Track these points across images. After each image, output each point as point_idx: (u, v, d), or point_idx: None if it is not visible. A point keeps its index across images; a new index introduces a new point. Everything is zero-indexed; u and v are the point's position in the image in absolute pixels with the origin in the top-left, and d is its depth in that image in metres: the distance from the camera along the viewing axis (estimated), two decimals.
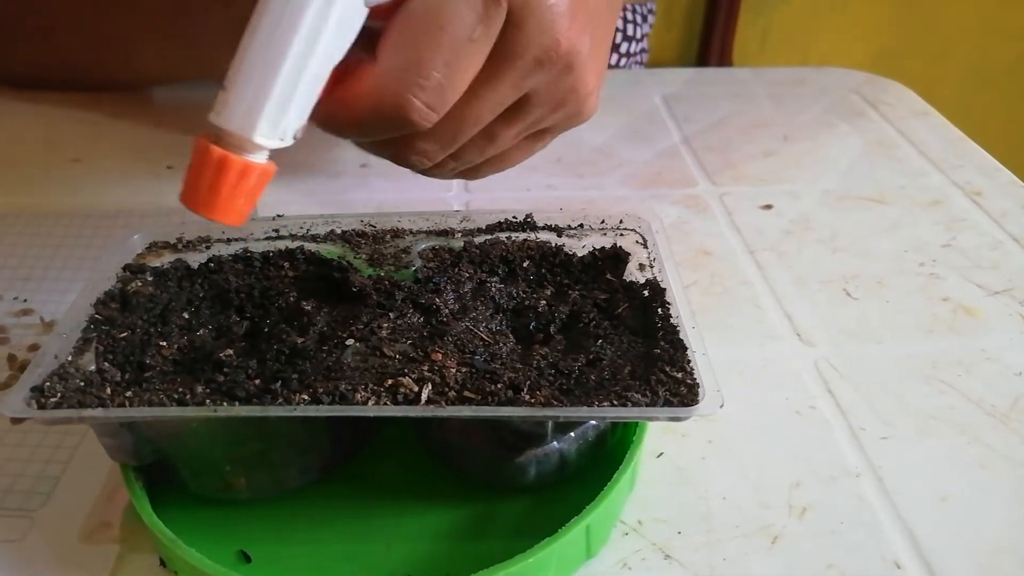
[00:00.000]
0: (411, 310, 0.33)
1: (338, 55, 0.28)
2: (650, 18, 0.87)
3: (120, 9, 0.59)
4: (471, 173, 0.38)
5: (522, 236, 0.38)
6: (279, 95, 0.26)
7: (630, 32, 0.82)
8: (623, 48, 0.81)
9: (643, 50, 0.86)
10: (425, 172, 0.37)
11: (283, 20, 0.26)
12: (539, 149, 0.39)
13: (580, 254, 0.37)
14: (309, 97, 0.27)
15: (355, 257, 0.36)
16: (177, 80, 0.63)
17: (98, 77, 0.64)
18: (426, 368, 0.29)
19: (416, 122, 0.30)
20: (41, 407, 0.28)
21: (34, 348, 0.40)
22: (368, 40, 0.29)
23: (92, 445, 0.35)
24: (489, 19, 0.30)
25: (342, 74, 0.29)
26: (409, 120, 0.30)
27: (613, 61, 0.80)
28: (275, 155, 0.28)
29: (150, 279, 0.35)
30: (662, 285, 0.34)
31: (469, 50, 0.30)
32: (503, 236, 0.38)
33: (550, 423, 0.30)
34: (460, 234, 0.38)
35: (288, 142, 0.27)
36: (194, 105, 0.63)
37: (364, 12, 0.28)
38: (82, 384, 0.29)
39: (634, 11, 0.83)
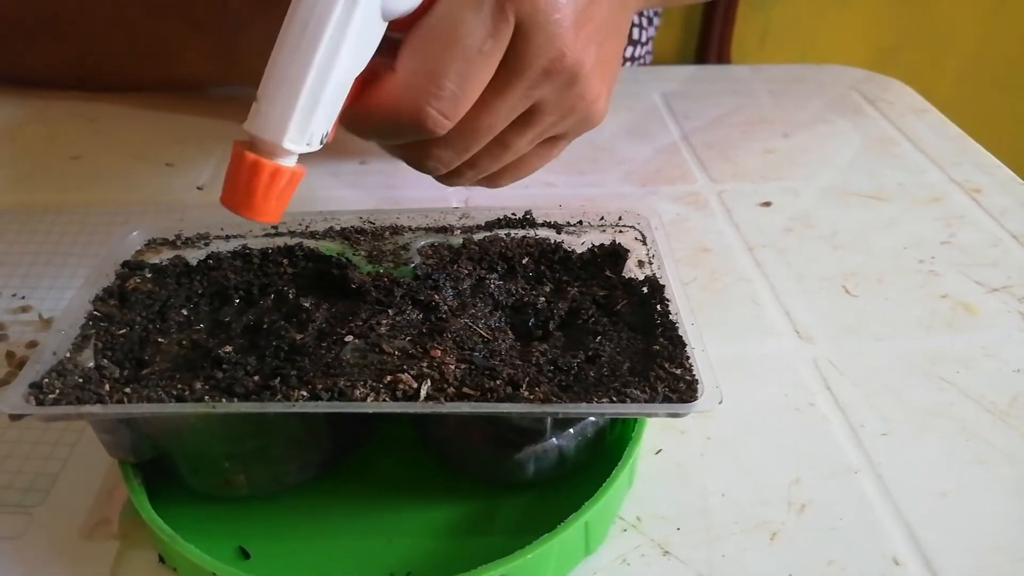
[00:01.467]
0: (410, 307, 0.33)
1: (359, 65, 0.30)
2: (656, 20, 0.87)
3: (168, 11, 0.59)
4: (489, 181, 0.40)
5: (521, 233, 0.38)
6: (305, 104, 0.28)
7: (635, 36, 0.82)
8: (627, 52, 0.81)
9: (648, 52, 0.86)
10: (443, 179, 0.38)
11: (306, 35, 0.28)
12: (555, 155, 0.41)
13: (579, 251, 0.37)
14: (334, 104, 0.29)
15: (354, 254, 0.36)
16: (221, 83, 0.63)
17: (143, 78, 0.64)
18: (425, 365, 0.29)
19: (431, 129, 0.32)
20: (40, 403, 0.28)
21: (33, 345, 0.40)
22: (391, 48, 0.31)
23: (91, 442, 0.35)
24: (498, 33, 0.32)
25: (366, 80, 0.31)
26: (424, 127, 0.32)
27: None
28: (300, 157, 0.30)
29: (149, 276, 0.35)
30: (661, 282, 0.34)
31: (480, 61, 0.32)
32: (502, 233, 0.38)
33: (549, 419, 0.30)
34: (459, 231, 0.38)
35: (315, 147, 0.29)
36: (192, 104, 0.63)
37: (383, 25, 0.30)
38: (81, 381, 0.29)
39: (641, 15, 0.82)
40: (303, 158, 0.29)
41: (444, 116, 0.32)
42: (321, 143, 0.29)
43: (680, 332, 0.32)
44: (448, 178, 0.38)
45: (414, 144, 0.35)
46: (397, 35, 0.31)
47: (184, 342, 0.32)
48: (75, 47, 0.63)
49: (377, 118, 0.32)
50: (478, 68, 0.32)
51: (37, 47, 0.63)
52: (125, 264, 0.36)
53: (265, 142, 0.28)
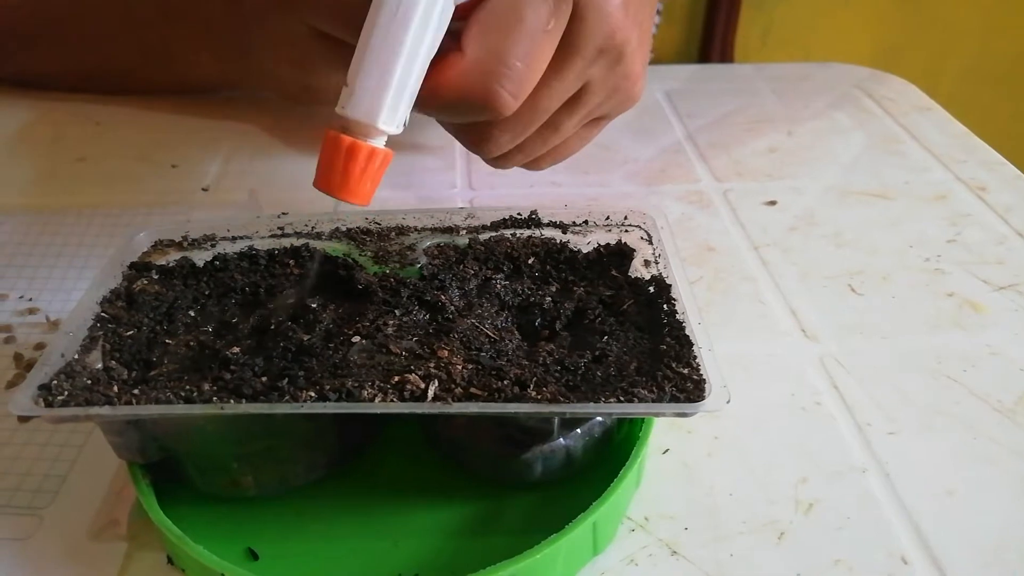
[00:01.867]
0: (417, 307, 0.33)
1: (436, 48, 0.31)
2: (656, 19, 0.87)
3: (180, 13, 0.59)
4: (533, 164, 0.41)
5: (527, 233, 0.38)
6: (397, 85, 0.29)
7: None
8: None
9: (650, 50, 0.86)
10: (492, 162, 0.40)
11: (397, 17, 0.29)
12: (594, 137, 0.42)
13: (585, 251, 0.37)
14: (417, 86, 0.30)
15: (360, 255, 0.36)
16: (234, 86, 0.63)
17: (154, 81, 0.64)
18: (432, 365, 0.29)
19: (500, 109, 0.33)
20: (48, 405, 0.28)
21: (40, 347, 0.40)
22: (445, 39, 0.32)
23: (99, 443, 0.35)
24: (559, 12, 0.33)
25: (433, 64, 0.32)
26: (494, 107, 0.33)
27: None
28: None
29: (156, 277, 0.35)
30: (667, 281, 0.34)
31: (544, 41, 0.33)
32: (508, 233, 0.38)
33: (556, 419, 0.30)
34: (465, 231, 0.38)
35: (401, 129, 0.30)
36: (197, 106, 0.63)
37: (452, 8, 0.31)
38: (89, 382, 0.29)
39: None
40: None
41: (512, 95, 0.33)
42: (406, 125, 0.30)
43: (687, 331, 0.32)
44: (498, 161, 0.39)
45: (473, 126, 0.36)
46: (454, 24, 0.32)
47: (191, 343, 0.32)
48: (84, 50, 0.63)
49: (448, 99, 0.32)
50: (542, 47, 0.33)
51: (45, 49, 0.63)
52: (132, 266, 0.36)
53: (360, 124, 0.29)
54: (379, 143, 0.30)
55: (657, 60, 0.92)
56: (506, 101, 0.33)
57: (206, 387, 0.29)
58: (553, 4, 0.33)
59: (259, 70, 0.55)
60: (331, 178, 0.29)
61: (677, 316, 0.33)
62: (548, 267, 0.37)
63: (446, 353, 0.30)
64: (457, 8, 0.31)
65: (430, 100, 0.32)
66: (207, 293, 0.35)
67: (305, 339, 0.31)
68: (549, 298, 0.35)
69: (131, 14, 0.61)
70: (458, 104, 0.33)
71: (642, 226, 0.38)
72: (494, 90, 0.32)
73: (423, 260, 0.36)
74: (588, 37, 0.34)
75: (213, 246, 0.38)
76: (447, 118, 0.35)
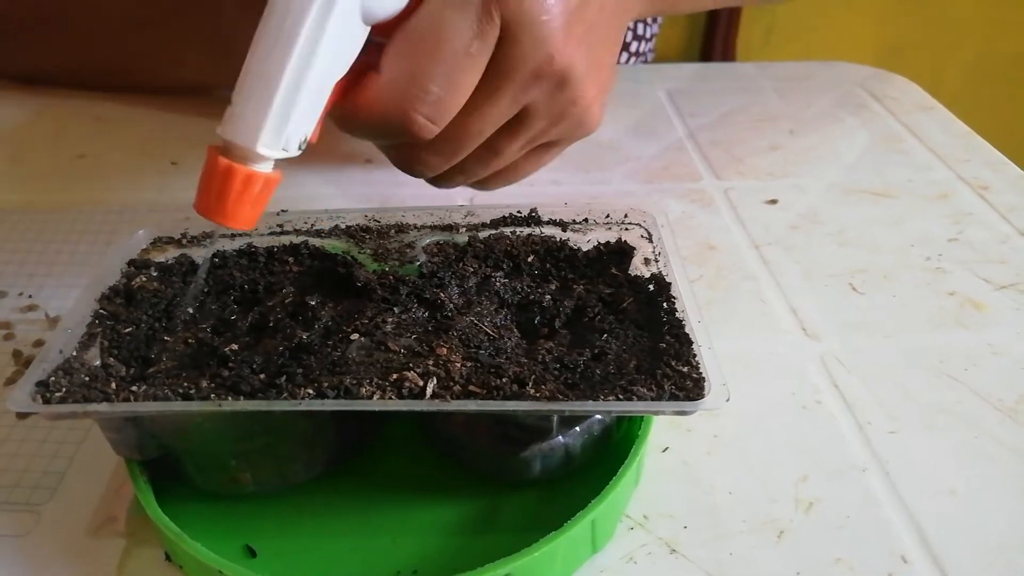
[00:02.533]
0: (416, 305, 0.33)
1: (339, 69, 0.29)
2: (659, 18, 0.87)
3: (168, 14, 0.59)
4: (480, 185, 0.40)
5: (527, 231, 0.38)
6: (279, 109, 0.28)
7: (640, 31, 0.81)
8: (633, 47, 0.81)
9: (650, 50, 0.86)
10: (432, 182, 0.38)
11: (280, 39, 0.28)
12: (547, 161, 0.40)
13: (585, 248, 0.37)
14: (312, 108, 0.29)
15: (359, 252, 0.36)
16: (221, 86, 0.63)
17: (146, 79, 0.64)
18: (431, 362, 0.29)
19: (417, 133, 0.32)
20: (46, 402, 0.28)
21: (39, 344, 0.40)
22: (376, 51, 0.31)
23: (97, 440, 0.35)
24: (484, 34, 0.31)
25: (354, 79, 0.30)
26: (411, 131, 0.32)
27: (623, 60, 0.80)
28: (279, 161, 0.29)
29: (155, 274, 0.35)
30: (667, 279, 0.34)
31: (466, 64, 0.31)
32: (507, 231, 0.38)
33: (555, 417, 0.30)
34: (464, 229, 0.38)
35: (293, 152, 0.29)
36: (197, 103, 0.63)
37: (365, 29, 0.29)
38: (87, 379, 0.29)
39: None
40: (293, 161, 0.29)
41: (430, 120, 0.31)
42: (300, 149, 0.29)
43: (687, 329, 0.31)
44: (437, 181, 0.38)
45: (403, 146, 0.34)
46: (382, 39, 0.31)
47: (190, 340, 0.32)
48: (72, 48, 0.63)
49: (363, 120, 0.31)
50: (464, 71, 0.31)
51: (41, 45, 0.63)
52: (131, 263, 0.36)
53: (238, 147, 0.28)
54: (262, 167, 0.28)
55: (659, 59, 0.92)
56: (423, 125, 0.31)
57: (204, 384, 0.29)
58: (477, 25, 0.31)
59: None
60: (207, 201, 0.28)
61: (677, 314, 0.32)
62: (548, 265, 0.36)
63: (445, 351, 0.30)
64: (379, 26, 0.30)
65: (347, 120, 0.31)
66: (206, 290, 0.35)
67: (304, 336, 0.31)
68: (548, 296, 0.35)
69: (123, 12, 0.61)
70: (375, 126, 0.32)
71: (642, 224, 0.38)
72: (409, 114, 0.31)
73: (422, 258, 0.36)
74: (519, 60, 0.32)
75: (212, 243, 0.37)
76: (369, 139, 0.34)
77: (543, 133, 0.37)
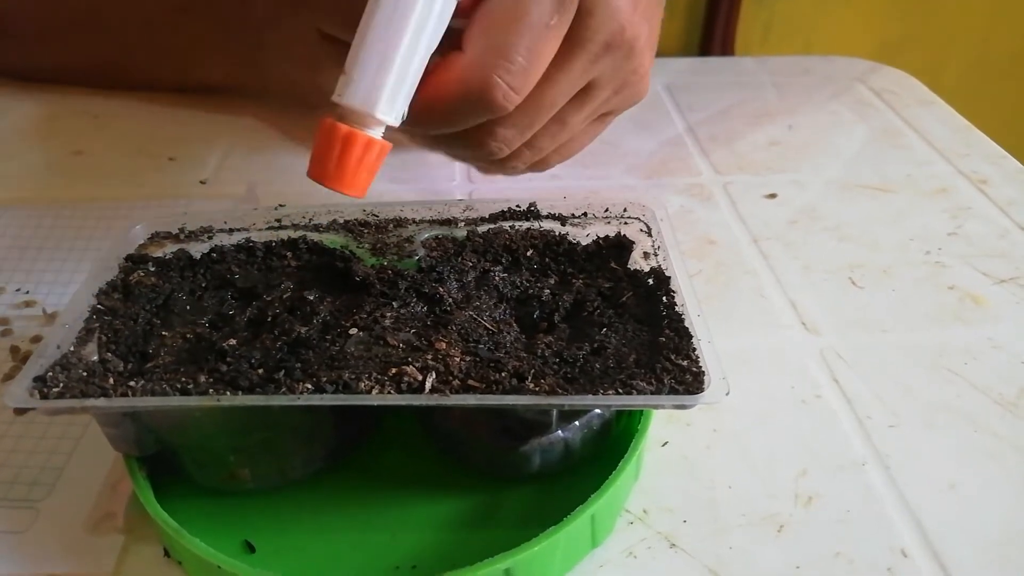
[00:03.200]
0: (414, 299, 0.33)
1: (436, 42, 0.30)
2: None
3: (192, 12, 0.59)
4: (540, 164, 0.41)
5: (525, 225, 0.38)
6: (397, 73, 0.29)
7: None
8: None
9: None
10: (499, 165, 0.39)
11: (398, 7, 0.29)
12: (600, 132, 0.42)
13: (584, 243, 0.37)
14: (416, 79, 0.30)
15: (358, 247, 0.36)
16: (243, 87, 0.62)
17: (163, 79, 0.64)
18: (430, 357, 0.29)
19: (500, 104, 0.33)
20: (44, 397, 0.28)
21: (37, 340, 0.40)
22: (446, 40, 0.31)
23: (95, 436, 0.35)
24: (564, 7, 0.33)
25: (431, 67, 0.31)
26: (495, 102, 0.32)
27: None
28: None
29: (152, 269, 0.35)
30: (667, 273, 0.34)
31: (547, 35, 0.33)
32: (506, 225, 0.38)
33: (555, 412, 0.30)
34: (463, 223, 0.38)
35: (399, 121, 0.30)
36: (195, 99, 0.63)
37: (453, 5, 0.30)
38: (84, 374, 0.29)
39: None
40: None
41: (514, 90, 0.32)
42: (403, 120, 0.30)
43: (686, 324, 0.31)
44: (504, 163, 0.39)
45: (477, 128, 0.35)
46: (455, 24, 0.32)
47: (188, 335, 0.32)
48: (98, 44, 0.62)
49: (447, 99, 0.32)
50: (545, 42, 0.33)
51: (60, 42, 0.63)
52: (128, 258, 0.36)
53: (357, 112, 0.28)
54: (377, 133, 0.29)
55: (658, 53, 0.92)
56: (507, 95, 0.32)
57: (202, 379, 0.29)
58: (557, 0, 0.32)
59: (270, 72, 0.55)
60: (326, 168, 0.29)
61: (676, 308, 0.32)
62: (547, 259, 0.36)
63: (444, 345, 0.30)
64: (459, 7, 0.31)
65: (430, 106, 0.32)
66: (204, 285, 0.35)
67: (302, 331, 0.31)
68: (548, 290, 0.34)
69: (146, 11, 0.60)
70: (459, 103, 0.32)
71: (641, 218, 0.38)
72: (495, 84, 0.32)
73: (421, 252, 0.35)
74: (595, 32, 0.34)
75: (210, 238, 0.37)
76: (448, 125, 0.35)
77: (606, 103, 0.39)
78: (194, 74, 0.62)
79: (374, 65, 0.28)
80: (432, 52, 0.30)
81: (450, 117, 0.33)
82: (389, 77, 0.28)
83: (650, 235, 0.37)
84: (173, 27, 0.60)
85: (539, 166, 0.41)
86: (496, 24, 0.32)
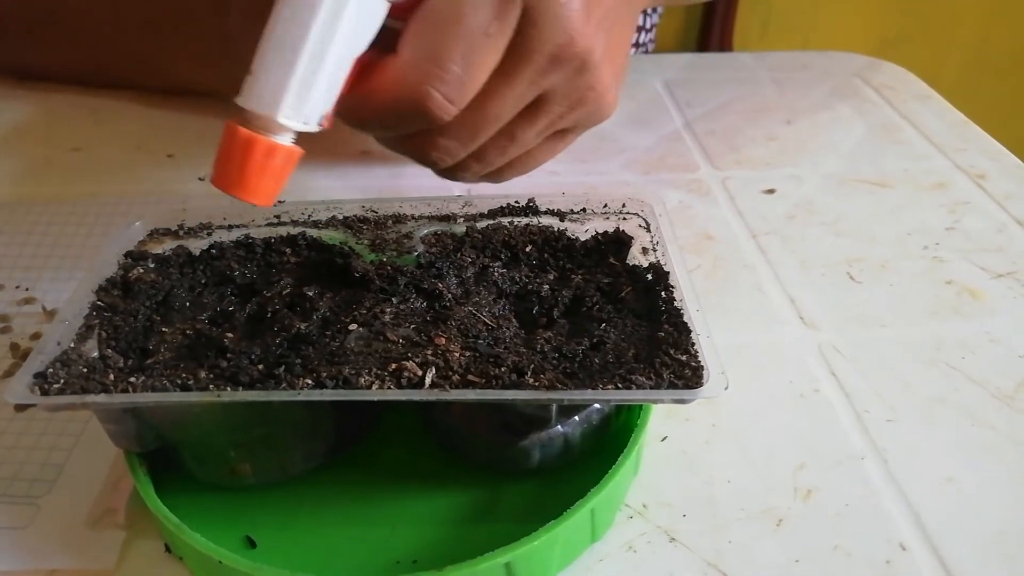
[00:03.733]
0: (414, 295, 0.33)
1: (360, 45, 0.29)
2: (659, 8, 0.86)
3: (164, 19, 0.59)
4: (495, 176, 0.39)
5: (524, 221, 0.38)
6: (302, 76, 0.27)
7: (641, 22, 0.81)
8: (633, 38, 0.81)
9: (651, 40, 0.85)
10: (448, 174, 0.38)
11: (303, 5, 0.27)
12: (562, 149, 0.40)
13: (583, 238, 0.37)
14: (332, 82, 0.28)
15: (357, 243, 0.36)
16: (215, 92, 0.62)
17: (142, 81, 0.63)
18: (430, 352, 0.29)
19: (435, 114, 0.31)
20: (44, 393, 0.28)
21: (37, 336, 0.40)
22: (388, 40, 0.30)
23: (96, 432, 0.35)
24: (504, 15, 0.31)
25: (363, 70, 0.30)
26: (428, 112, 0.31)
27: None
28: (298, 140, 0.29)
29: (152, 266, 0.35)
30: (665, 268, 0.34)
31: (486, 44, 0.31)
32: (505, 221, 0.38)
33: (554, 406, 0.30)
34: (462, 219, 0.38)
35: (312, 127, 0.28)
36: (193, 96, 0.63)
37: (385, 6, 0.29)
38: (85, 370, 0.29)
39: None
40: (305, 144, 0.29)
41: (448, 100, 0.31)
42: (319, 126, 0.28)
43: (685, 318, 0.31)
44: (452, 172, 0.38)
45: (419, 135, 0.34)
46: (396, 24, 0.31)
47: (188, 331, 0.32)
48: (74, 47, 0.63)
49: (378, 104, 0.31)
50: (484, 51, 0.31)
51: (40, 42, 0.63)
52: (128, 254, 0.36)
53: (259, 116, 0.27)
54: (283, 139, 0.28)
55: (656, 49, 0.92)
56: (441, 105, 0.31)
57: (202, 375, 0.29)
58: (497, 6, 0.31)
59: (238, 81, 0.54)
60: (227, 174, 0.27)
61: (675, 303, 0.32)
62: (546, 255, 0.36)
63: (443, 340, 0.30)
64: (396, 7, 0.29)
65: (361, 106, 0.31)
66: (203, 282, 0.35)
67: (302, 327, 0.31)
68: (547, 286, 0.35)
69: (117, 17, 0.60)
70: (390, 110, 0.31)
71: (640, 214, 0.38)
72: (428, 93, 0.30)
73: (420, 248, 0.36)
74: (539, 43, 0.32)
75: (209, 234, 0.37)
76: (384, 129, 0.33)
77: (560, 119, 0.36)
78: (170, 80, 0.62)
79: (277, 65, 0.27)
80: (359, 53, 0.29)
81: (384, 121, 0.32)
82: (293, 78, 0.27)
83: (649, 230, 0.37)
84: (145, 37, 0.60)
85: (492, 177, 0.40)
86: (431, 29, 0.30)
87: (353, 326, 0.31)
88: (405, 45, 0.31)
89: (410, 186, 0.52)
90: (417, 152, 0.35)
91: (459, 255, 0.35)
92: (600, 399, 0.29)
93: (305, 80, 0.27)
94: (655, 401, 0.31)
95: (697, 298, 0.32)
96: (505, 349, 0.30)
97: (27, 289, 0.43)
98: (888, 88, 0.66)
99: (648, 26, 0.83)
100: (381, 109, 0.31)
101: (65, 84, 0.64)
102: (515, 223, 0.38)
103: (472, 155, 0.36)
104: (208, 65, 0.59)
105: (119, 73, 0.63)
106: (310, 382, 0.28)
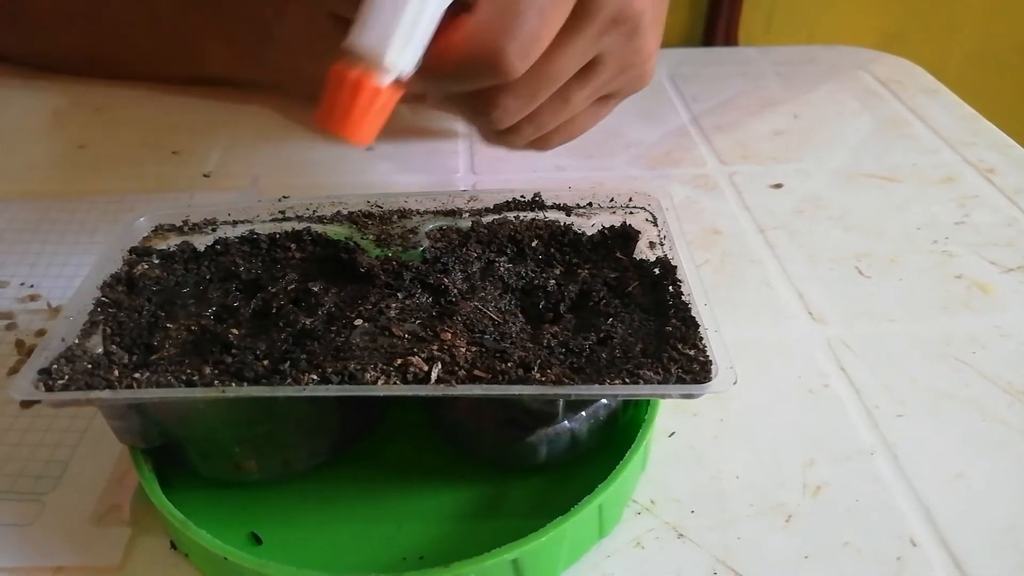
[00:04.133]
0: (419, 290, 0.33)
1: None
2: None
3: (196, 6, 0.59)
4: (542, 142, 0.41)
5: (530, 215, 0.38)
6: (408, 22, 0.29)
7: None
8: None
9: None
10: (500, 138, 0.39)
11: None
12: (603, 116, 0.42)
13: (589, 233, 0.37)
14: (427, 31, 0.30)
15: (362, 238, 0.36)
16: (247, 80, 0.62)
17: (165, 70, 0.63)
18: (436, 348, 0.29)
19: (506, 69, 0.32)
20: (49, 389, 0.28)
21: (42, 333, 0.40)
22: (453, 6, 0.31)
23: (101, 429, 0.34)
24: None
25: (442, 25, 0.31)
26: (500, 66, 0.32)
27: None
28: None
29: (156, 262, 0.35)
30: (673, 263, 0.34)
31: (556, 3, 0.33)
32: (511, 216, 0.38)
33: (561, 402, 0.30)
34: (468, 214, 0.38)
35: (407, 72, 0.29)
36: (198, 92, 0.63)
37: None
38: (89, 366, 0.29)
39: None
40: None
41: (520, 56, 0.32)
42: (412, 71, 0.30)
43: (693, 313, 0.31)
44: (505, 136, 0.39)
45: (482, 93, 0.35)
46: None
47: (193, 327, 0.32)
48: (99, 32, 0.62)
49: (455, 58, 0.32)
50: (555, 10, 0.33)
51: (61, 29, 0.63)
52: (132, 250, 0.36)
53: (365, 59, 0.28)
54: (385, 81, 0.29)
55: (662, 44, 0.91)
56: (513, 61, 0.32)
57: (207, 371, 0.28)
58: None
59: (276, 62, 0.54)
60: (332, 114, 0.28)
61: (683, 297, 0.32)
62: (552, 249, 0.36)
63: (449, 336, 0.30)
64: None
65: (437, 63, 0.32)
66: (208, 277, 0.35)
67: (307, 322, 0.31)
68: (553, 280, 0.34)
69: (150, 3, 0.60)
70: (466, 64, 0.32)
71: (647, 208, 0.38)
72: (502, 48, 0.32)
73: (425, 243, 0.35)
74: (603, 4, 0.34)
75: (214, 230, 0.37)
76: (455, 83, 0.34)
77: (609, 82, 0.39)
78: (197, 67, 0.62)
79: (387, 11, 0.28)
80: (445, 6, 0.30)
81: (456, 76, 0.33)
82: (401, 24, 0.28)
83: (656, 225, 0.37)
84: (177, 19, 0.60)
85: (540, 143, 0.41)
86: None
87: (358, 321, 0.30)
88: (481, 4, 0.32)
89: (415, 181, 0.52)
90: (478, 111, 0.36)
91: (465, 250, 0.35)
92: (607, 394, 0.29)
93: (411, 26, 0.29)
94: (663, 396, 0.30)
95: (705, 293, 0.32)
96: (511, 344, 0.30)
97: (32, 286, 0.43)
98: (895, 82, 0.65)
99: None
100: (457, 63, 0.32)
101: (81, 77, 0.64)
102: (521, 217, 0.37)
103: (526, 117, 0.37)
104: (237, 49, 0.59)
105: (142, 62, 0.63)
106: (315, 378, 0.28)
